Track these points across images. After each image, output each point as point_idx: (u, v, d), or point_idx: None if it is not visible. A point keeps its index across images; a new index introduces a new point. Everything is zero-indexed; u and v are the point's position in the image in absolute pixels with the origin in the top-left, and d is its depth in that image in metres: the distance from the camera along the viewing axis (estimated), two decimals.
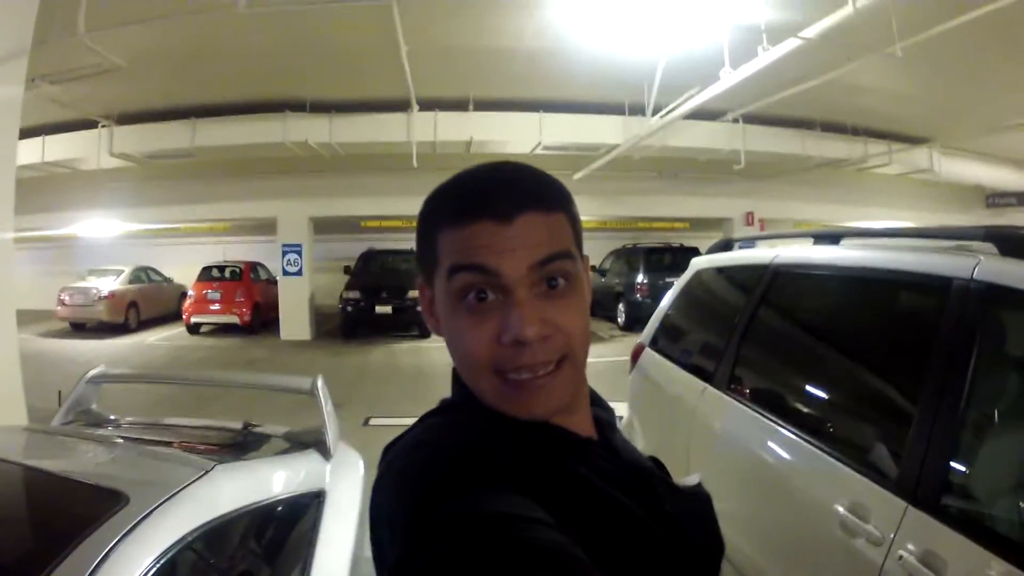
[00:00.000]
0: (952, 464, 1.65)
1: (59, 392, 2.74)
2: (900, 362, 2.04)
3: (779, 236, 3.49)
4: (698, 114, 8.70)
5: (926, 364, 1.78)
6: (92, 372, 2.69)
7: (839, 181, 14.01)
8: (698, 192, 14.25)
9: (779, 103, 8.89)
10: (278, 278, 14.08)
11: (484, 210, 0.73)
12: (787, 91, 8.28)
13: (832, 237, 2.69)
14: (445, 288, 0.75)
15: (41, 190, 12.20)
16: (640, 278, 13.00)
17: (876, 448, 1.94)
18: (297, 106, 10.31)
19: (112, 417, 2.69)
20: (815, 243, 2.76)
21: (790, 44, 5.66)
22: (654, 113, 8.74)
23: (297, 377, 2.60)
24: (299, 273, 13.66)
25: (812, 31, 5.34)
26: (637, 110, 9.40)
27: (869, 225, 12.45)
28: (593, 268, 13.37)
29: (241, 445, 2.47)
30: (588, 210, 13.23)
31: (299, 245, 13.64)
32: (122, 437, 2.43)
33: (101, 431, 2.47)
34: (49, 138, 10.59)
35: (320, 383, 2.52)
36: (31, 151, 10.40)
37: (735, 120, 10.70)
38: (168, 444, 2.35)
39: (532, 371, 0.73)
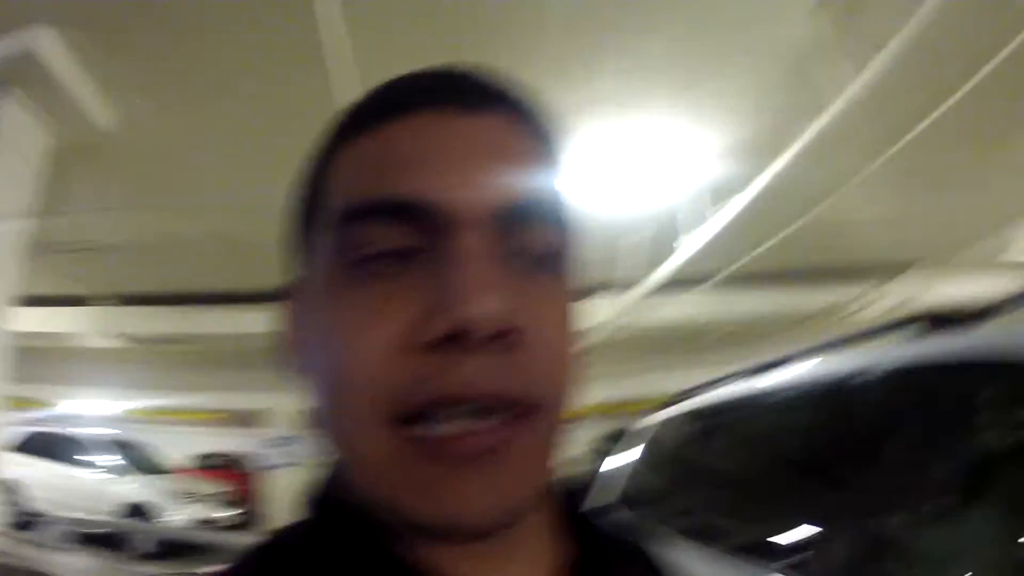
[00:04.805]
0: None
1: None
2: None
3: (702, 387, 3.22)
4: (677, 283, 8.74)
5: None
6: None
7: (833, 331, 13.22)
8: (682, 364, 13.52)
9: (760, 259, 8.85)
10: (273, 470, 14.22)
11: (426, 93, 0.43)
12: (766, 243, 8.29)
13: (774, 364, 2.63)
14: (328, 256, 0.42)
15: (42, 361, 12.28)
16: None
17: None
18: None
19: None
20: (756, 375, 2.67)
21: (765, 178, 5.80)
22: (626, 289, 8.71)
23: None
24: (294, 465, 13.85)
25: (791, 152, 5.42)
26: (612, 288, 9.27)
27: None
28: None
29: None
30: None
31: (295, 437, 13.92)
32: None
33: None
34: (50, 309, 10.58)
35: None
36: (32, 320, 10.44)
37: (717, 285, 10.45)
38: None
39: (469, 416, 0.37)
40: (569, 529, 0.48)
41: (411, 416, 0.38)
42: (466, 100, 0.42)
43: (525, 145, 0.43)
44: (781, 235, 7.89)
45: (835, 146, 5.17)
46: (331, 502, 0.44)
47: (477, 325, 0.36)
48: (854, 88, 4.42)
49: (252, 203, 5.87)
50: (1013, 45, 4.27)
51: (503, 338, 0.37)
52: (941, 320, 1.88)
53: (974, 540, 1.52)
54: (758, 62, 5.09)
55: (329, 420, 0.42)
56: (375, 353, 0.38)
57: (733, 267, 9.19)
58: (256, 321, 10.26)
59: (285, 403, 13.80)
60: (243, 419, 17.29)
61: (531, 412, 0.39)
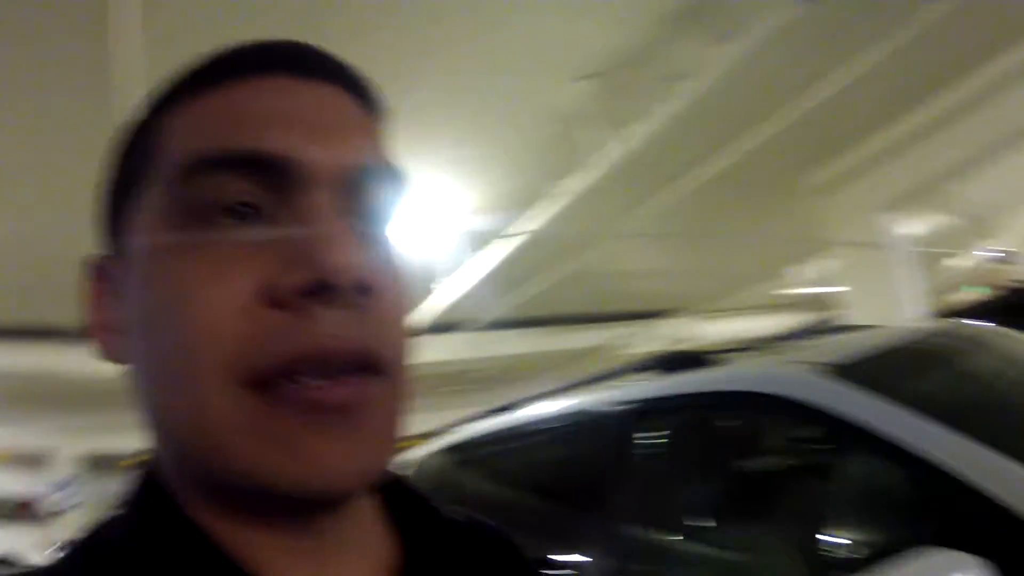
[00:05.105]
0: None
1: None
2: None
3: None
4: (441, 327, 8.98)
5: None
6: None
7: (591, 370, 12.61)
8: (445, 404, 12.71)
9: (526, 305, 9.12)
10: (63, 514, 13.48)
11: (269, 58, 0.42)
12: (530, 290, 8.53)
13: (528, 401, 2.78)
14: (163, 214, 0.40)
15: None
16: None
17: None
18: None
19: None
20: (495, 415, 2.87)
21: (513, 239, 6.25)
22: None
23: None
24: (72, 510, 13.24)
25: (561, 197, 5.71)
26: None
27: None
28: None
29: None
30: None
31: (72, 481, 13.45)
32: None
33: None
34: None
35: None
36: None
37: (478, 329, 10.38)
38: None
39: (326, 374, 0.37)
40: (396, 523, 0.47)
41: (265, 379, 0.36)
42: (310, 69, 0.42)
43: (363, 117, 0.44)
44: (546, 283, 8.32)
45: (599, 202, 5.54)
46: (152, 500, 0.41)
47: (340, 275, 0.35)
48: (613, 153, 4.85)
49: (39, 229, 5.56)
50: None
51: (363, 292, 0.37)
52: (685, 360, 2.06)
53: (721, 553, 1.79)
54: (521, 124, 5.35)
55: (167, 394, 0.39)
56: (227, 309, 0.36)
57: (497, 312, 9.47)
58: (43, 359, 9.67)
59: (69, 444, 13.39)
60: (24, 460, 16.17)
61: (382, 373, 0.39)
